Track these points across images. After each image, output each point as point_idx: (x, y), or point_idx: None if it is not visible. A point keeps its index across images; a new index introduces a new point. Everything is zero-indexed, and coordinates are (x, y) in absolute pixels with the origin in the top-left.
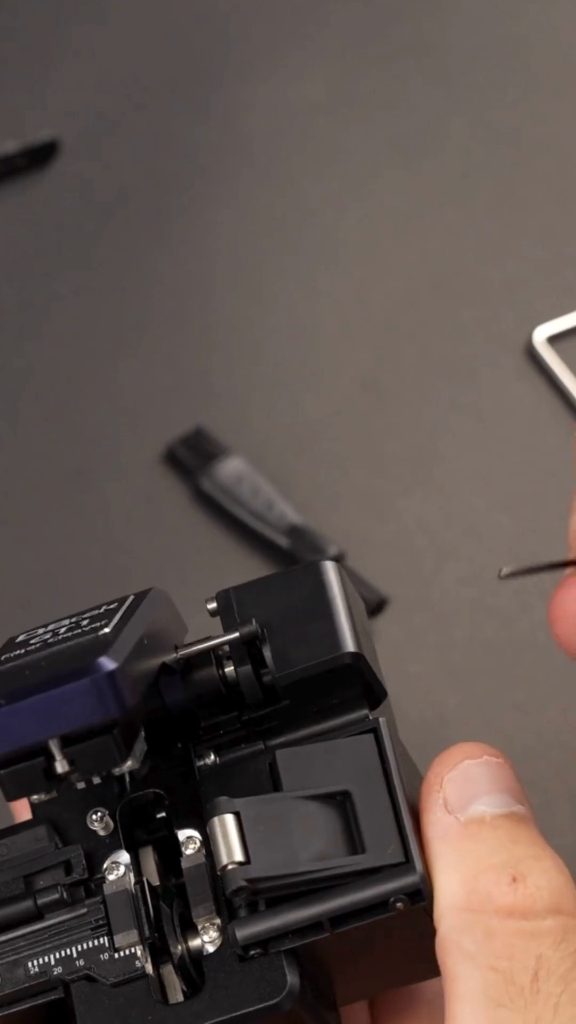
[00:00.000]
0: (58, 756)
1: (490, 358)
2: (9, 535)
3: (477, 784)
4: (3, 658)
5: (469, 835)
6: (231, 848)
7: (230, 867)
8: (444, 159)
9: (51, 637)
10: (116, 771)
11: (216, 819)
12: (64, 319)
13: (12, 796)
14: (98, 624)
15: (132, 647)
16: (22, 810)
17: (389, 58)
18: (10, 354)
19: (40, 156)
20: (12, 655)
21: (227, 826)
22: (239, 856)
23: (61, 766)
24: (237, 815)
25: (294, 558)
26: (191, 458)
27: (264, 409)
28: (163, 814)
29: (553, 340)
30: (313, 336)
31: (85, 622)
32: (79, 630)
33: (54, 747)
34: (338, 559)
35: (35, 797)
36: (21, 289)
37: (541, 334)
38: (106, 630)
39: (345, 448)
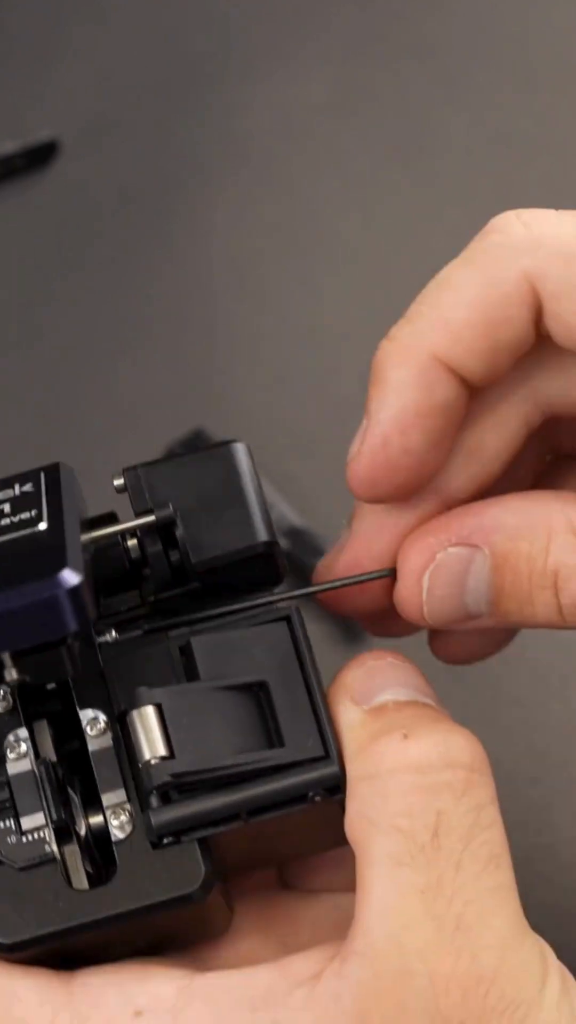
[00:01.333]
0: (9, 664)
1: None
2: None
3: (383, 678)
4: None
5: (372, 719)
6: (154, 743)
7: (154, 762)
8: (444, 159)
9: None
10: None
11: (137, 712)
12: (64, 319)
13: None
14: (27, 515)
15: (81, 551)
16: None
17: (389, 58)
18: (10, 354)
19: (40, 156)
20: None
21: (149, 719)
22: (162, 751)
23: (9, 675)
24: (159, 707)
25: (294, 559)
26: None
27: (264, 410)
28: (53, 685)
29: None
30: (313, 336)
31: (6, 507)
32: (6, 520)
33: (6, 657)
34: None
35: None
36: (20, 289)
37: None
38: (43, 525)
39: (345, 449)
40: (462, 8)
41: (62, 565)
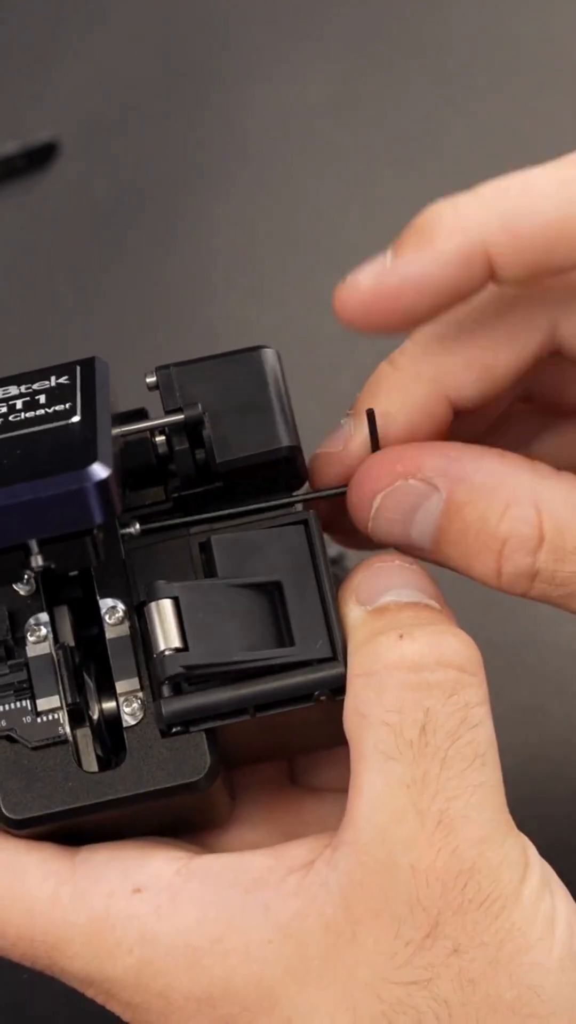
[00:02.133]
0: (35, 551)
1: None
2: None
3: (388, 579)
4: None
5: (373, 619)
6: (169, 634)
7: (168, 653)
8: (444, 159)
9: (8, 411)
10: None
11: (154, 604)
12: (64, 320)
13: None
14: (62, 407)
15: (112, 447)
16: None
17: (389, 59)
18: (9, 355)
19: (40, 157)
20: None
21: (165, 612)
22: (176, 642)
23: (36, 561)
24: (176, 601)
25: None
26: None
27: None
28: (75, 573)
29: None
30: (313, 336)
31: (42, 399)
32: (41, 411)
33: (33, 544)
34: (336, 561)
35: None
36: (20, 289)
37: None
38: (75, 418)
39: None
40: (462, 8)
41: (92, 459)
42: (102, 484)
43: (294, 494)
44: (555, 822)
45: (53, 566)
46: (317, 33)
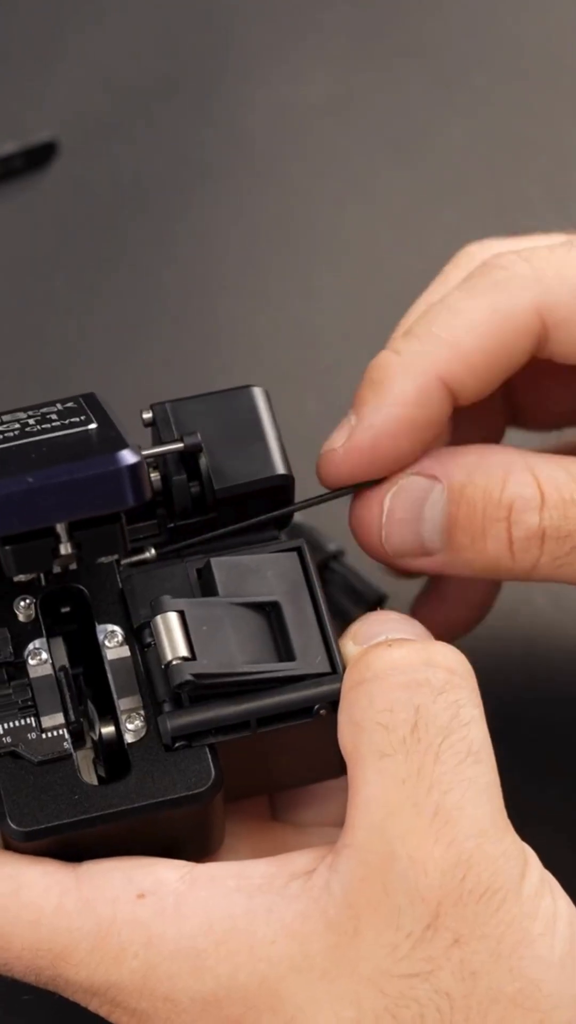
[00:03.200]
0: (64, 538)
1: None
2: None
3: (383, 626)
4: None
5: (375, 646)
6: (176, 644)
7: (175, 662)
8: (444, 159)
9: (22, 427)
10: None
11: (161, 616)
12: (63, 320)
13: (15, 572)
14: (75, 419)
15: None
16: None
17: (389, 59)
18: (9, 355)
19: (39, 157)
20: None
21: (172, 623)
22: (184, 652)
23: (65, 548)
24: (181, 614)
25: None
26: None
27: None
28: (67, 609)
29: None
30: (313, 336)
31: (53, 416)
32: (56, 423)
33: (62, 530)
34: (337, 556)
35: None
36: (20, 289)
37: None
38: (93, 426)
39: None
40: (462, 8)
41: (123, 446)
42: (134, 467)
43: (295, 505)
44: None
45: (81, 554)
46: (317, 33)
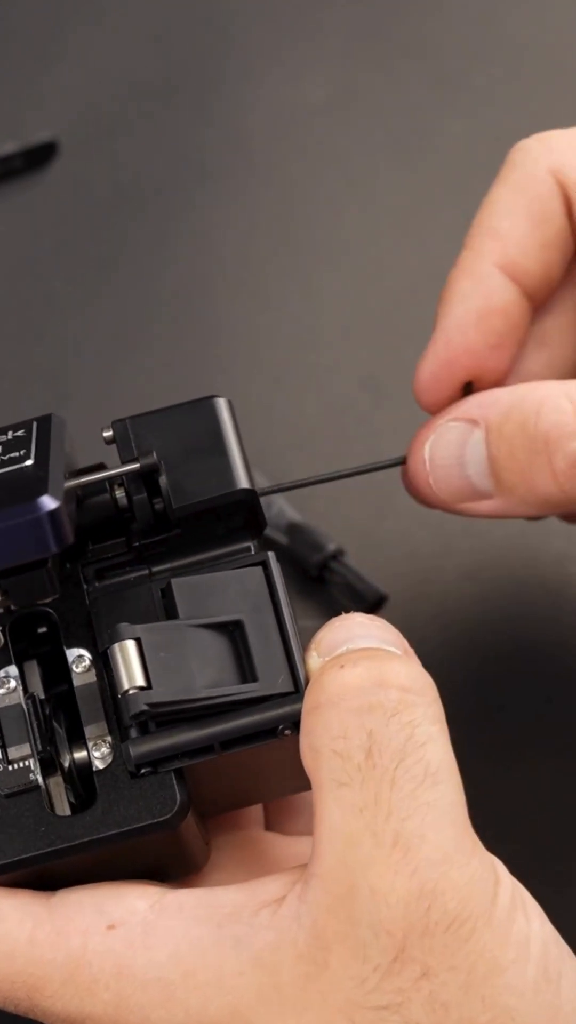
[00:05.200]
0: None
1: None
2: None
3: (347, 632)
4: None
5: (328, 664)
6: (132, 674)
7: (131, 692)
8: (443, 159)
9: None
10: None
11: (118, 645)
12: (63, 319)
13: None
14: (16, 454)
15: (63, 484)
16: None
17: (389, 59)
18: (9, 356)
19: (39, 156)
20: None
21: (128, 652)
22: (140, 681)
23: None
24: (138, 641)
25: (294, 555)
26: None
27: (264, 408)
28: (44, 629)
29: None
30: (313, 336)
31: None
32: None
33: None
34: (337, 555)
35: None
36: (20, 289)
37: None
38: (29, 462)
39: (344, 446)
40: (461, 8)
41: (43, 491)
42: (53, 513)
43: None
44: None
45: (10, 603)
46: (316, 33)
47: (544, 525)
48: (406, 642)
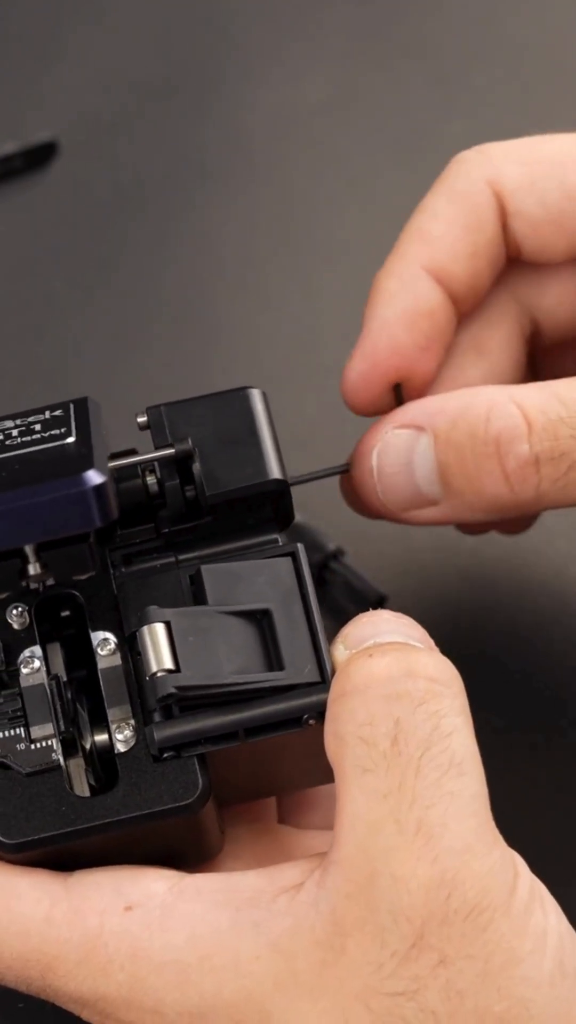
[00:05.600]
0: (32, 559)
1: None
2: None
3: (374, 628)
4: None
5: (358, 655)
6: (161, 656)
7: (160, 674)
8: (443, 159)
9: (3, 440)
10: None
11: (147, 628)
12: (63, 320)
13: None
14: (57, 431)
15: (107, 460)
16: None
17: (389, 59)
18: (9, 356)
19: (39, 156)
20: None
21: (157, 635)
22: (169, 664)
23: (34, 568)
24: (168, 625)
25: None
26: None
27: None
28: (67, 612)
29: None
30: (313, 336)
31: (37, 427)
32: (37, 436)
33: (29, 550)
34: (337, 555)
35: None
36: (20, 289)
37: None
38: (71, 439)
39: (344, 446)
40: (461, 8)
41: (89, 466)
42: (99, 488)
43: (299, 476)
44: None
45: (50, 576)
46: (317, 33)
47: (544, 525)
48: (431, 640)
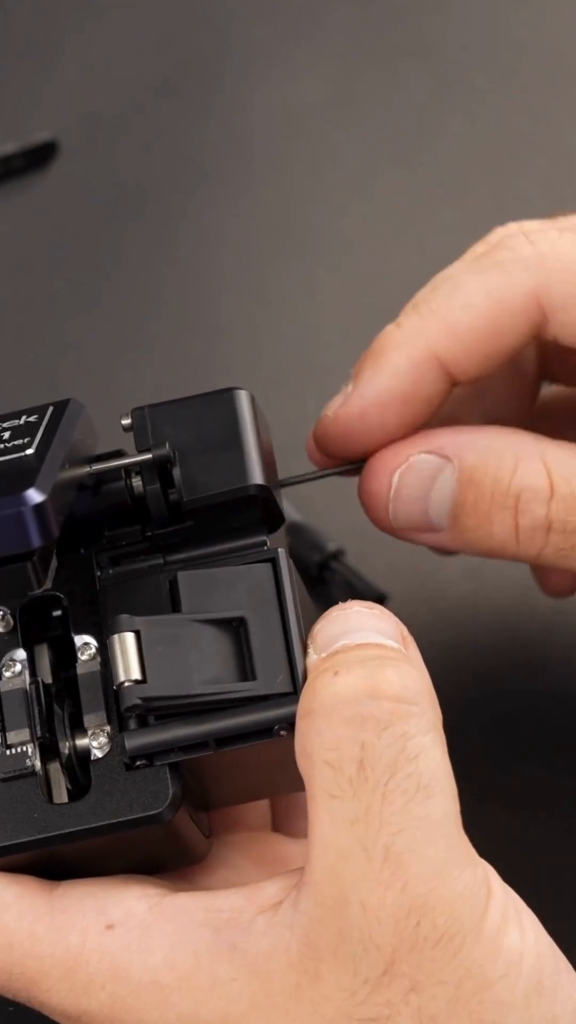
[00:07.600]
0: None
1: None
2: None
3: (344, 625)
4: None
5: (323, 662)
6: (128, 666)
7: (126, 684)
8: (443, 159)
9: None
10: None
11: (116, 636)
12: (63, 320)
13: None
14: (20, 441)
15: (56, 474)
16: None
17: (389, 58)
18: (9, 356)
19: (39, 156)
20: None
21: (127, 644)
22: (136, 675)
23: None
24: (137, 634)
25: (294, 555)
26: None
27: (264, 408)
28: (59, 612)
29: None
30: (313, 336)
31: (6, 435)
32: (2, 445)
33: None
34: (337, 555)
35: None
36: (20, 289)
37: None
38: (29, 451)
39: None
40: (462, 8)
41: (29, 485)
42: (38, 508)
43: (300, 475)
44: None
45: None
46: (317, 33)
47: None
48: (404, 629)
